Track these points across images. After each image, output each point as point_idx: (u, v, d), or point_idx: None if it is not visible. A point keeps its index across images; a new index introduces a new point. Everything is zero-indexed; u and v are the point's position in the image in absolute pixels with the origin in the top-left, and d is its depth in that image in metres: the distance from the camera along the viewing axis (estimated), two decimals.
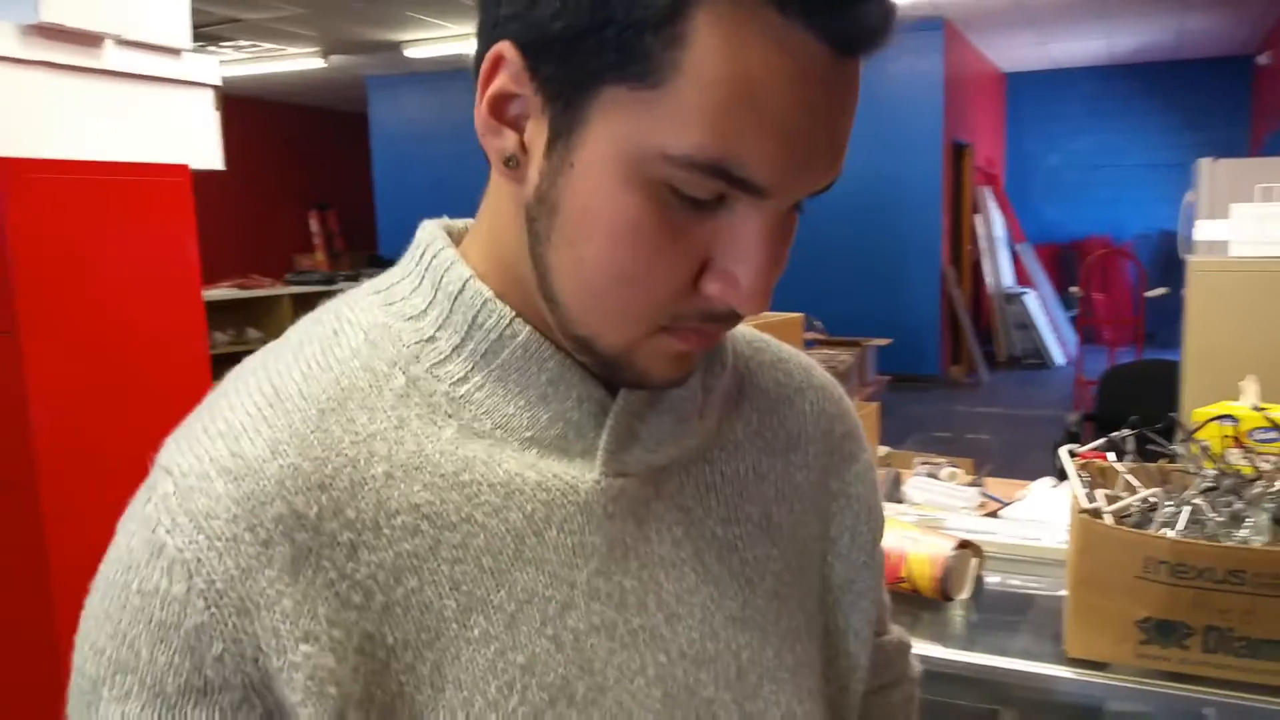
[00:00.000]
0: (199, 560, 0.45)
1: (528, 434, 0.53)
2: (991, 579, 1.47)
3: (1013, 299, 9.53)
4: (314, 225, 10.69)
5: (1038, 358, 9.39)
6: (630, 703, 0.52)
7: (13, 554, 1.73)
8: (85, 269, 1.79)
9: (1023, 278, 9.95)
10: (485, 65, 0.48)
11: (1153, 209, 10.21)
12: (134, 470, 0.52)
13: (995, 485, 2.22)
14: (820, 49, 0.44)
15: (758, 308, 0.48)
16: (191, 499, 0.46)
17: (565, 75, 0.46)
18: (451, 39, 7.78)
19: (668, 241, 0.47)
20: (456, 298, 0.53)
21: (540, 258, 0.50)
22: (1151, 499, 1.18)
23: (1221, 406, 1.43)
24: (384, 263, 0.65)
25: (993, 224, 9.68)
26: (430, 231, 0.56)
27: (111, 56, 2.02)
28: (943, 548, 1.36)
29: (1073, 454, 1.28)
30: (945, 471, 2.36)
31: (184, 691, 0.45)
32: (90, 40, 1.96)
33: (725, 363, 0.61)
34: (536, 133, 0.48)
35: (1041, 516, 1.70)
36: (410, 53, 8.22)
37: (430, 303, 0.54)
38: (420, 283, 0.55)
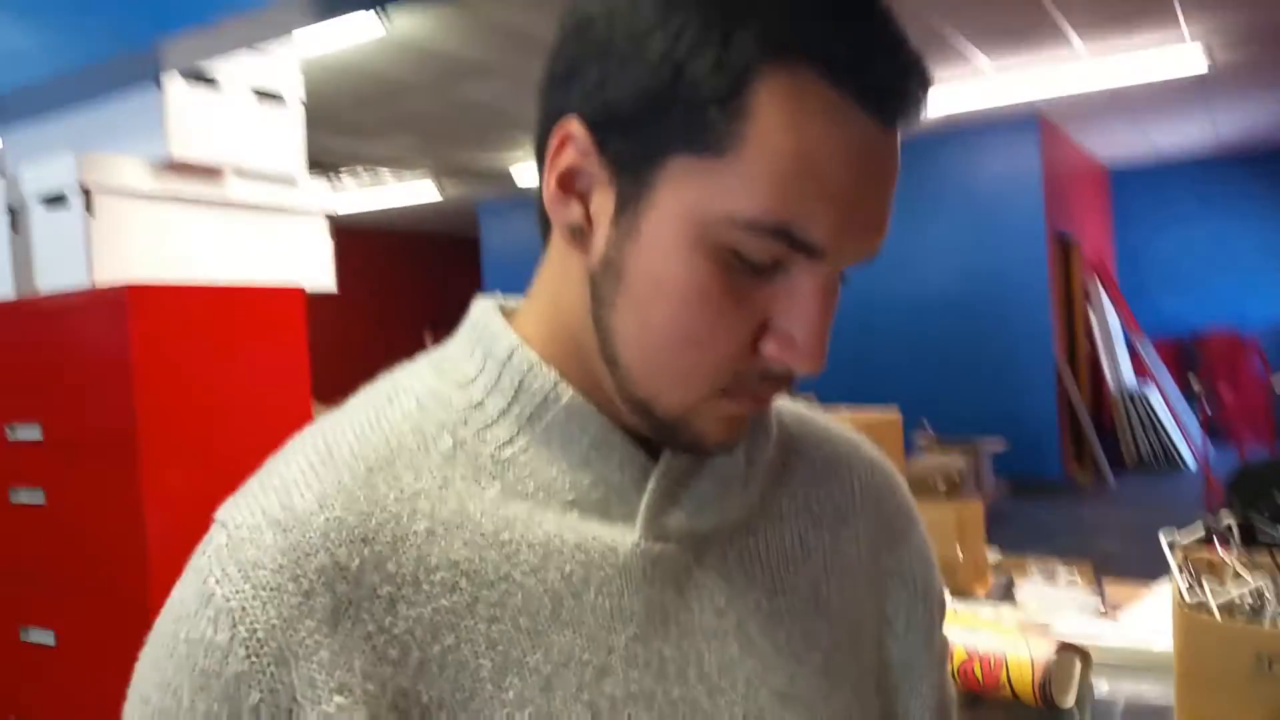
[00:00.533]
0: (244, 609, 0.47)
1: (570, 497, 0.54)
2: (1102, 687, 1.39)
3: (1135, 399, 9.16)
4: (429, 343, 11.06)
5: (1166, 458, 8.94)
6: None
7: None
8: (202, 385, 1.90)
9: (1142, 372, 9.58)
10: (554, 142, 0.52)
11: (1276, 297, 9.78)
12: None
13: (1117, 590, 2.11)
14: (869, 121, 0.47)
15: (815, 366, 0.50)
16: (242, 550, 0.48)
17: (634, 149, 0.49)
18: None
19: (731, 305, 0.49)
20: (505, 363, 0.55)
21: (603, 321, 0.52)
22: (1264, 590, 1.11)
23: None
24: None
25: (1107, 318, 9.39)
26: (483, 306, 0.59)
27: (232, 187, 2.18)
28: (1044, 651, 1.30)
29: (1173, 545, 1.22)
30: (1062, 577, 2.26)
31: None
32: (213, 174, 2.13)
33: (770, 434, 0.61)
34: (603, 203, 0.51)
35: (1162, 620, 1.61)
36: (520, 179, 8.57)
37: (481, 370, 0.56)
38: (472, 352, 0.57)
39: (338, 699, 0.46)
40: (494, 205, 10.41)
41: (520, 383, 0.55)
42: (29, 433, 1.94)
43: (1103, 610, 1.94)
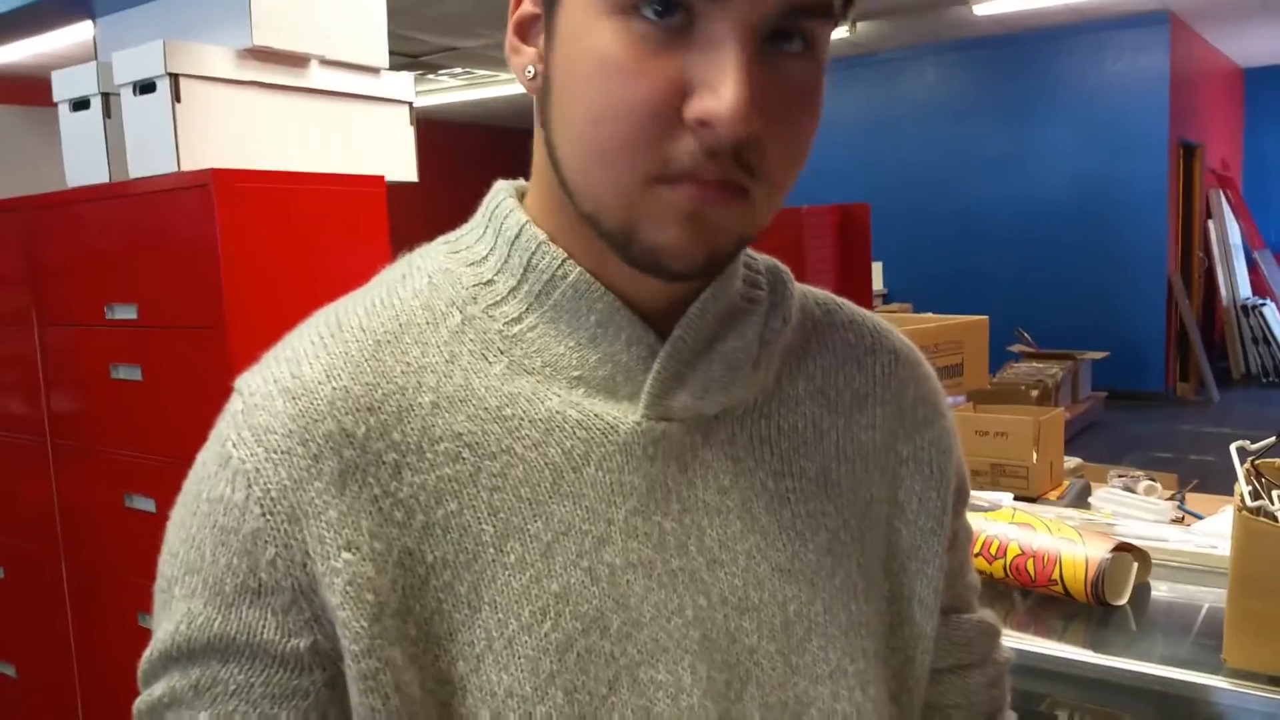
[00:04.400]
0: (258, 470, 0.49)
1: (576, 373, 0.54)
2: (1160, 588, 1.37)
3: (1250, 311, 8.74)
4: None
5: (1277, 373, 8.56)
6: (666, 640, 0.53)
7: None
8: (287, 271, 1.96)
9: (1261, 288, 9.10)
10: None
11: None
12: None
13: (1199, 502, 2.05)
14: None
15: (737, 117, 0.45)
16: (255, 415, 0.51)
17: None
18: None
19: (643, 68, 0.47)
20: (514, 242, 0.56)
21: (550, 146, 0.52)
22: None
23: None
24: None
25: (1228, 230, 8.92)
26: (497, 188, 0.60)
27: (316, 76, 2.21)
28: (1100, 550, 1.29)
29: (1245, 452, 1.18)
30: (1143, 485, 2.21)
31: (240, 591, 0.49)
32: (297, 61, 2.16)
33: (788, 318, 0.61)
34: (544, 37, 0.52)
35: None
36: None
37: (491, 249, 0.57)
38: (484, 232, 0.58)
39: (345, 555, 0.49)
40: None
41: (529, 260, 0.55)
42: (126, 312, 2.04)
43: (1178, 517, 1.90)
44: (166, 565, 0.53)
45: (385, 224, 2.25)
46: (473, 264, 0.57)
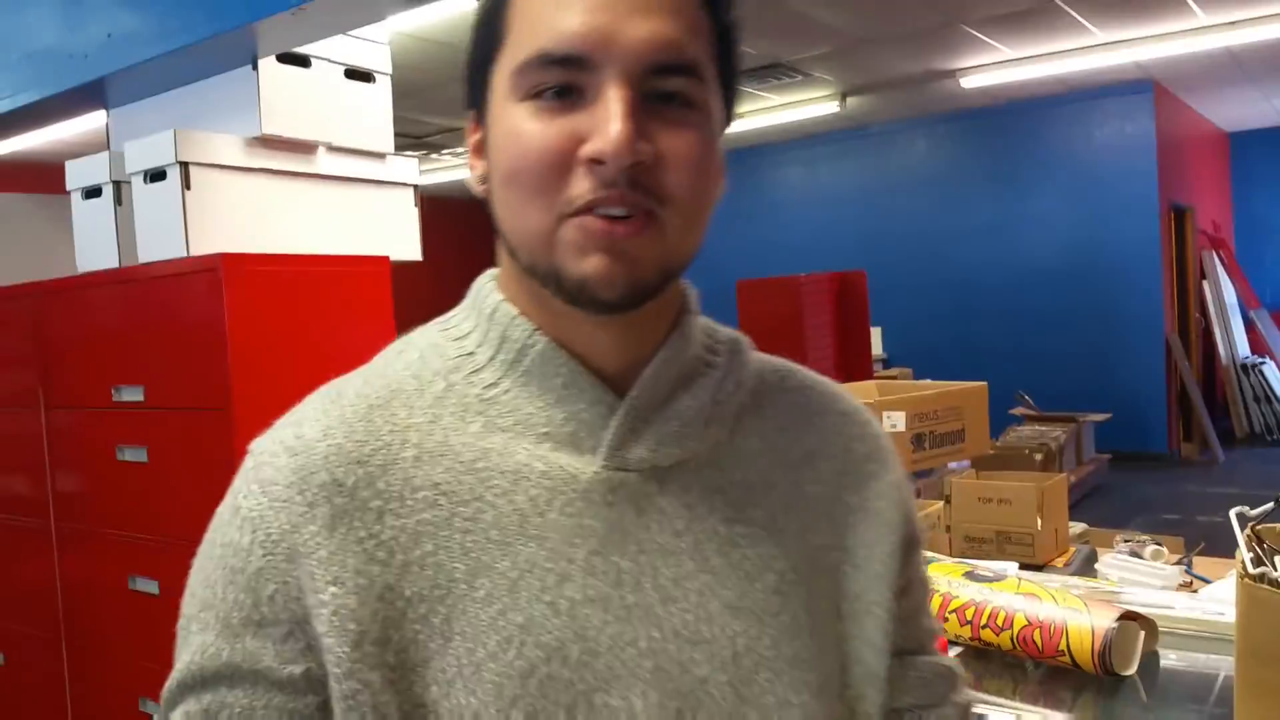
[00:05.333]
0: (261, 517, 0.58)
1: (544, 430, 0.62)
2: (1169, 656, 1.37)
3: (1250, 370, 8.77)
4: None
5: (1279, 431, 8.55)
6: (621, 669, 0.58)
7: None
8: (293, 353, 1.99)
9: (1259, 346, 9.14)
10: (468, 130, 0.66)
11: None
12: None
13: (1207, 565, 2.05)
14: None
15: (628, 153, 0.55)
16: (262, 470, 0.59)
17: (476, 89, 0.63)
18: None
19: (543, 130, 0.57)
20: (491, 317, 0.65)
21: (498, 224, 0.62)
22: None
23: None
24: None
25: (1223, 290, 8.99)
26: (483, 275, 0.69)
27: (323, 162, 2.26)
28: (1106, 619, 1.29)
29: (1245, 518, 1.19)
30: (1149, 550, 2.21)
31: (245, 624, 0.57)
32: (305, 148, 2.21)
33: (742, 381, 0.68)
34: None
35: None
36: None
37: (475, 326, 0.66)
38: (470, 312, 0.67)
39: (332, 589, 0.56)
40: None
41: (503, 333, 0.64)
42: (133, 394, 2.06)
43: (1185, 582, 1.90)
44: (187, 604, 0.60)
45: (390, 303, 2.28)
46: (458, 339, 0.66)
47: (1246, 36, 6.21)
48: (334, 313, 2.11)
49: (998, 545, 2.23)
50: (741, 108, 7.03)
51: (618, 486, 0.61)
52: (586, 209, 0.56)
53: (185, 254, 1.98)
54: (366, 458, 0.59)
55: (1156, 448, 7.97)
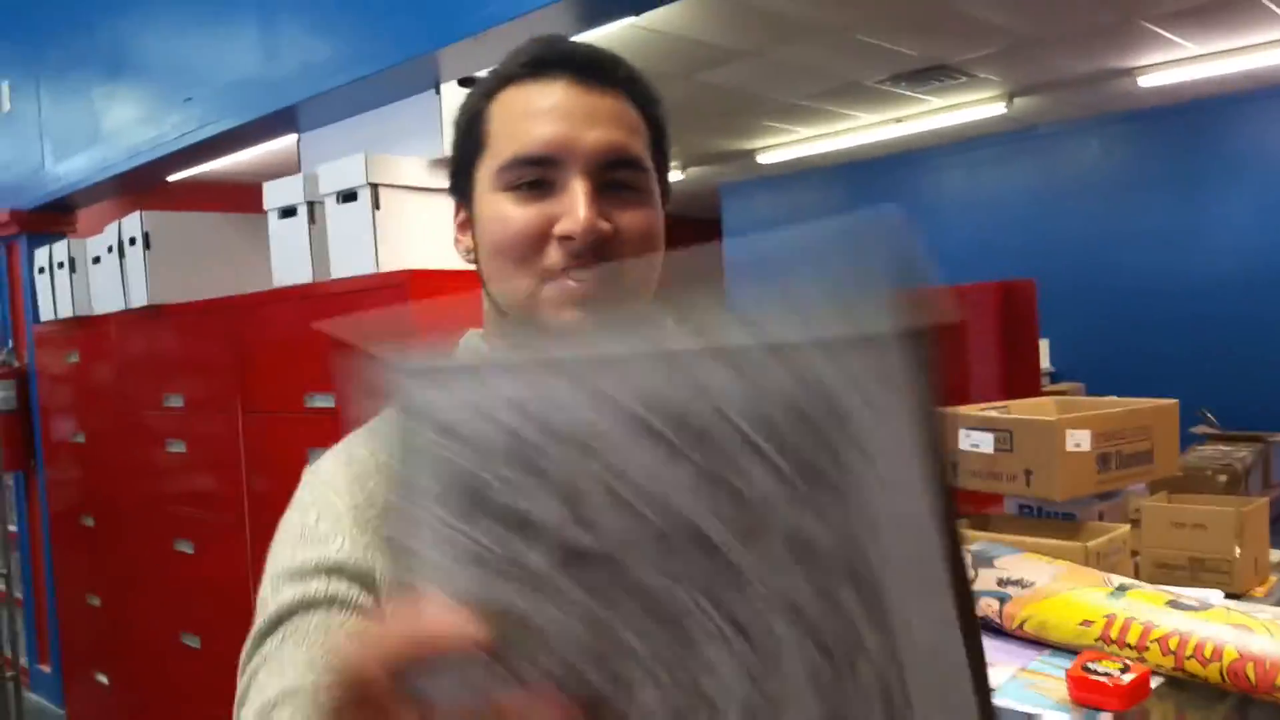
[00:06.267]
0: (327, 501, 0.71)
1: None
2: None
3: None
4: None
5: None
6: None
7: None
8: None
9: None
10: (455, 213, 0.81)
11: None
12: None
13: None
14: (543, 81, 0.74)
15: (592, 230, 0.70)
16: (320, 474, 0.74)
17: (462, 183, 0.79)
18: (799, 142, 8.04)
19: (523, 213, 0.72)
20: None
21: (485, 285, 0.76)
22: None
23: None
24: None
25: None
26: (467, 334, 0.80)
27: None
28: None
29: None
30: None
31: (315, 571, 0.69)
32: None
33: None
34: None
35: None
36: (762, 159, 8.58)
37: None
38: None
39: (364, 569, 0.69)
40: (736, 186, 10.46)
41: None
42: (324, 401, 2.18)
43: None
44: (269, 567, 0.72)
45: None
46: None
47: None
48: None
49: (1191, 572, 2.10)
50: (899, 112, 6.90)
51: None
52: (562, 273, 0.71)
53: (375, 270, 2.08)
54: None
55: None
